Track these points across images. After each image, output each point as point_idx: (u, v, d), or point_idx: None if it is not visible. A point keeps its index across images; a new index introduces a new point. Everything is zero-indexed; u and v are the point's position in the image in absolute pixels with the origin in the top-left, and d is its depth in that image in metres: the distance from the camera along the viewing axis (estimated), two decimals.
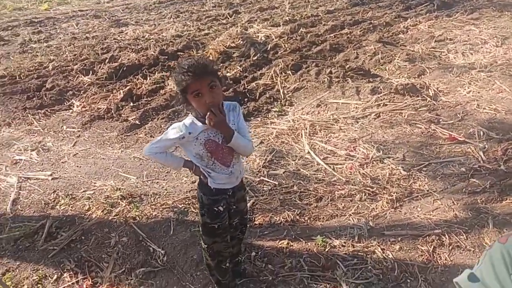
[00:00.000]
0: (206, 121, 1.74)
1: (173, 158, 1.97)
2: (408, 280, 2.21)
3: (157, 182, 3.31)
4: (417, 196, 2.85)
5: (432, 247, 2.40)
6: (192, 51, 6.24)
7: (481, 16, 7.13)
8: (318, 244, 2.50)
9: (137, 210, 2.89)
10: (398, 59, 5.30)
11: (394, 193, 2.86)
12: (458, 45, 5.80)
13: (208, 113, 1.73)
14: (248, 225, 2.69)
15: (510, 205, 2.66)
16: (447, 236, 2.46)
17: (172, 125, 1.87)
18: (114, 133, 4.13)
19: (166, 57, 5.95)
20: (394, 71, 5.01)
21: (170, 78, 5.22)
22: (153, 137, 3.99)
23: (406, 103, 4.08)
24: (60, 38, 7.45)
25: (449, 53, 5.54)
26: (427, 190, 2.89)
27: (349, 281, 2.23)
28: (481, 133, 3.43)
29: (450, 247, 2.41)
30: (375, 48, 5.72)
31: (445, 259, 2.32)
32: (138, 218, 2.84)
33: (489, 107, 3.90)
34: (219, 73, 1.88)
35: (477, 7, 7.71)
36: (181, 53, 6.15)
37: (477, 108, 3.91)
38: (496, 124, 3.59)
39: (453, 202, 2.75)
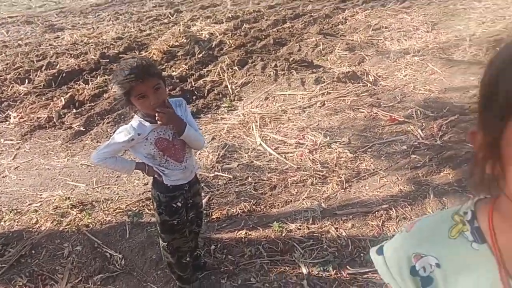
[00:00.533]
0: (157, 120, 1.73)
1: (124, 161, 1.94)
2: (361, 254, 2.33)
3: (108, 188, 3.22)
4: (364, 175, 2.99)
5: (381, 221, 2.54)
6: (135, 52, 6.09)
7: (412, 4, 7.55)
8: (275, 230, 2.56)
9: (90, 218, 2.80)
10: (338, 49, 5.50)
11: (342, 175, 2.99)
12: (393, 32, 6.12)
13: (157, 113, 1.72)
14: (205, 220, 2.71)
15: (447, 176, 2.87)
16: (394, 210, 2.62)
17: (118, 128, 1.84)
18: (58, 142, 3.96)
19: (108, 60, 5.76)
20: (335, 61, 5.20)
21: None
22: (100, 142, 3.87)
23: (348, 90, 4.26)
24: None
25: (385, 41, 5.83)
26: (373, 169, 3.04)
27: (307, 262, 2.31)
28: (418, 112, 3.66)
29: (397, 219, 2.57)
30: (316, 40, 5.90)
31: (394, 231, 2.47)
32: (91, 226, 2.75)
33: (424, 88, 4.16)
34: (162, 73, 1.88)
35: None
36: (124, 55, 5.98)
37: (413, 90, 4.17)
38: (431, 103, 3.84)
39: (397, 178, 2.92)
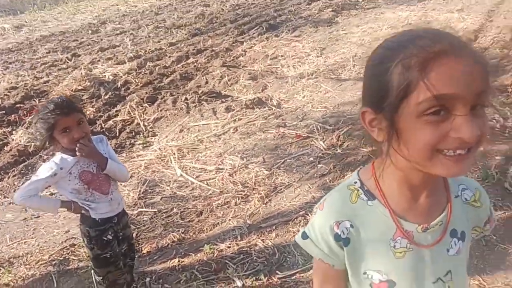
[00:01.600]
0: (77, 153, 1.80)
1: (49, 200, 1.95)
2: (288, 258, 2.56)
3: (25, 242, 3.05)
4: (281, 189, 3.28)
5: (300, 226, 2.81)
6: (34, 100, 5.81)
7: (302, 33, 8.34)
8: (207, 253, 2.68)
9: (10, 275, 2.64)
10: (242, 79, 5.89)
11: (262, 191, 3.24)
12: (288, 59, 6.72)
13: (78, 145, 1.79)
14: (137, 256, 2.73)
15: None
16: (310, 215, 2.92)
17: (41, 166, 1.86)
18: None
19: (4, 112, 5.42)
20: (241, 90, 5.55)
21: (14, 133, 4.80)
22: (8, 197, 3.64)
23: (256, 114, 4.60)
24: None
25: (282, 68, 6.38)
26: (288, 182, 3.35)
27: (240, 275, 2.47)
28: (319, 127, 4.11)
29: None
30: (221, 72, 6.23)
31: None
32: (12, 283, 2.59)
33: (320, 106, 4.67)
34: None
35: (297, 26, 8.98)
36: (21, 105, 5.67)
37: (312, 108, 4.65)
38: (328, 118, 4.33)
39: (309, 186, 3.26)
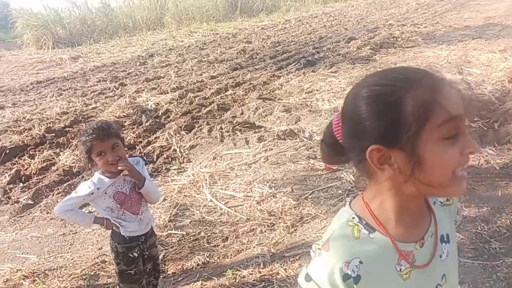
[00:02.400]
0: (121, 169, 1.94)
1: (84, 215, 2.10)
2: None
3: (61, 256, 3.23)
4: (307, 219, 3.29)
5: None
6: (82, 125, 6.22)
7: (339, 69, 8.47)
8: (229, 278, 2.72)
9: (44, 286, 2.79)
10: (277, 111, 6.03)
11: (288, 220, 3.26)
12: (323, 94, 6.82)
13: (120, 164, 1.94)
14: (162, 276, 2.82)
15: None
16: None
17: (80, 184, 2.02)
18: (5, 216, 3.91)
19: (54, 134, 5.83)
20: (275, 121, 5.69)
21: (61, 154, 5.14)
22: (50, 213, 3.88)
23: (287, 145, 4.69)
24: None
25: (317, 101, 6.48)
26: (314, 213, 3.36)
27: None
28: None
29: None
30: (256, 104, 6.42)
31: None
32: None
33: None
34: (121, 134, 2.13)
35: (335, 62, 9.13)
36: (70, 129, 6.09)
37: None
38: None
39: None
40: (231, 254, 3.00)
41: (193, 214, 3.58)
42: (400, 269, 0.90)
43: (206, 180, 4.11)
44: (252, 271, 2.76)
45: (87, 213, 2.14)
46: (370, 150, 0.82)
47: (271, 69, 9.23)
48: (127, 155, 2.22)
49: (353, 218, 0.91)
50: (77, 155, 4.89)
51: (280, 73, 8.80)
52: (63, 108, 7.29)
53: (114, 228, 2.06)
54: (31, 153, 5.27)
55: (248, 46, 11.93)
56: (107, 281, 2.79)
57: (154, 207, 3.76)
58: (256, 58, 10.31)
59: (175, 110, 6.50)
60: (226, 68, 9.55)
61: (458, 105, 0.80)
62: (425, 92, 0.79)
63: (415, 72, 0.82)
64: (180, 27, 17.69)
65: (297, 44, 11.44)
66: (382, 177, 0.85)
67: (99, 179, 1.98)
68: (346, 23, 14.02)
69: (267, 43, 12.02)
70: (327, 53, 9.84)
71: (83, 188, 1.97)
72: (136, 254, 2.08)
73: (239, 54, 10.98)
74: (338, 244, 0.89)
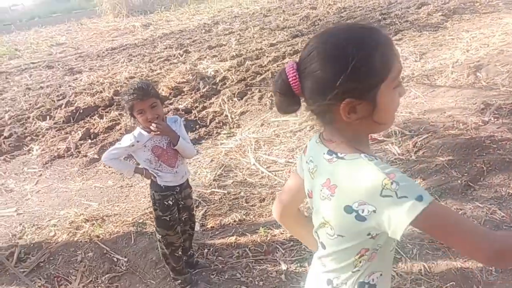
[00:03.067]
0: (153, 130, 2.15)
1: (126, 164, 2.36)
2: None
3: (118, 205, 3.62)
4: None
5: None
6: None
7: (403, 37, 8.01)
8: (261, 235, 2.90)
9: (101, 229, 3.19)
10: None
11: None
12: None
13: (154, 125, 2.14)
14: (201, 229, 3.07)
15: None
16: None
17: (124, 136, 2.27)
18: (74, 168, 4.42)
19: (120, 97, 6.32)
20: None
21: (125, 115, 5.60)
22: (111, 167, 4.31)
23: None
24: (14, 90, 7.66)
25: None
26: None
27: (287, 260, 2.63)
28: (397, 131, 4.01)
29: None
30: None
31: None
32: (101, 236, 3.13)
33: (405, 111, 4.53)
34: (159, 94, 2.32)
35: (401, 29, 8.63)
36: None
37: (395, 113, 4.53)
38: (410, 124, 4.19)
39: None
40: (265, 214, 3.16)
41: (236, 176, 3.78)
42: None
43: (251, 145, 4.27)
44: (282, 231, 2.90)
45: (130, 163, 2.39)
46: (344, 104, 0.91)
47: None
48: (169, 115, 2.42)
49: (361, 155, 0.95)
50: None
51: None
52: (131, 73, 7.81)
53: (152, 177, 2.29)
54: (100, 113, 5.80)
55: (312, 13, 11.64)
56: (152, 229, 3.10)
57: (202, 166, 4.03)
58: (318, 25, 10.06)
59: (231, 77, 6.67)
60: (287, 36, 9.47)
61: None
62: (386, 49, 0.90)
63: (371, 27, 0.90)
64: None
65: (364, 10, 10.93)
66: (347, 123, 0.95)
67: (139, 133, 2.20)
68: None
69: (332, 9, 11.63)
70: (394, 20, 9.30)
71: (126, 140, 2.21)
72: (171, 202, 2.31)
73: (301, 21, 10.78)
74: (401, 175, 0.88)
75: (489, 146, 3.49)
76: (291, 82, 0.97)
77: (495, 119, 3.94)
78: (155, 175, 2.28)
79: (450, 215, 0.87)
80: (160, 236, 2.38)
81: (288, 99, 1.02)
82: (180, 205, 2.40)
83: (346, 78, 0.89)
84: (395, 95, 0.95)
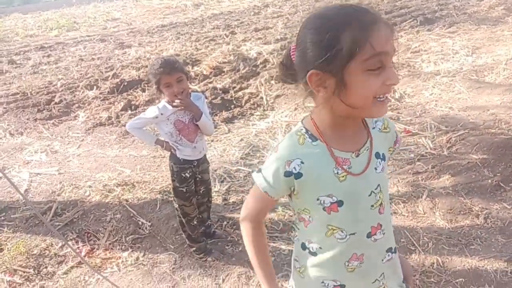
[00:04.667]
0: (176, 104, 2.25)
1: (148, 134, 2.49)
2: None
3: (149, 174, 3.81)
4: None
5: None
6: (188, 67, 6.83)
7: (458, 29, 7.62)
8: (279, 214, 2.96)
9: (130, 194, 3.39)
10: None
11: None
12: (431, 55, 6.29)
13: (178, 100, 2.24)
14: (223, 203, 3.18)
15: (445, 181, 3.09)
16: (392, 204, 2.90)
17: (149, 108, 2.39)
18: (113, 136, 4.67)
19: (148, 70, 6.53)
20: None
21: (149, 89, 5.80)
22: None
23: None
24: (68, 60, 8.11)
25: (422, 63, 6.02)
26: None
27: None
28: (433, 126, 3.88)
29: (391, 213, 2.84)
30: None
31: None
32: (130, 200, 3.33)
33: (445, 106, 4.36)
34: (186, 70, 2.41)
35: (456, 22, 8.21)
36: None
37: (434, 107, 4.38)
38: (447, 119, 4.04)
39: (398, 180, 3.19)
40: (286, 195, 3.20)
41: (263, 156, 3.84)
42: (338, 172, 1.06)
43: (282, 128, 4.30)
44: None
45: (152, 134, 2.50)
46: (310, 73, 0.97)
47: None
48: (192, 91, 2.51)
49: (301, 129, 1.10)
50: None
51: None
52: (176, 51, 8.02)
53: (171, 150, 2.40)
54: (143, 87, 6.04)
55: (364, 0, 11.30)
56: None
57: (231, 144, 4.13)
58: None
59: (272, 60, 6.68)
60: None
61: (385, 43, 0.91)
62: (358, 30, 0.90)
63: (356, 10, 0.90)
64: None
65: (419, 0, 10.45)
66: (319, 97, 1.01)
67: (164, 106, 2.31)
68: None
69: None
70: (451, 11, 8.84)
71: (150, 111, 2.33)
72: (188, 175, 2.41)
73: None
74: (285, 147, 1.09)
75: None
76: (291, 51, 1.05)
77: None
78: (175, 148, 2.38)
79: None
80: (177, 205, 2.51)
81: (287, 69, 1.10)
82: (197, 179, 2.50)
83: (312, 50, 0.95)
84: (367, 78, 0.93)
